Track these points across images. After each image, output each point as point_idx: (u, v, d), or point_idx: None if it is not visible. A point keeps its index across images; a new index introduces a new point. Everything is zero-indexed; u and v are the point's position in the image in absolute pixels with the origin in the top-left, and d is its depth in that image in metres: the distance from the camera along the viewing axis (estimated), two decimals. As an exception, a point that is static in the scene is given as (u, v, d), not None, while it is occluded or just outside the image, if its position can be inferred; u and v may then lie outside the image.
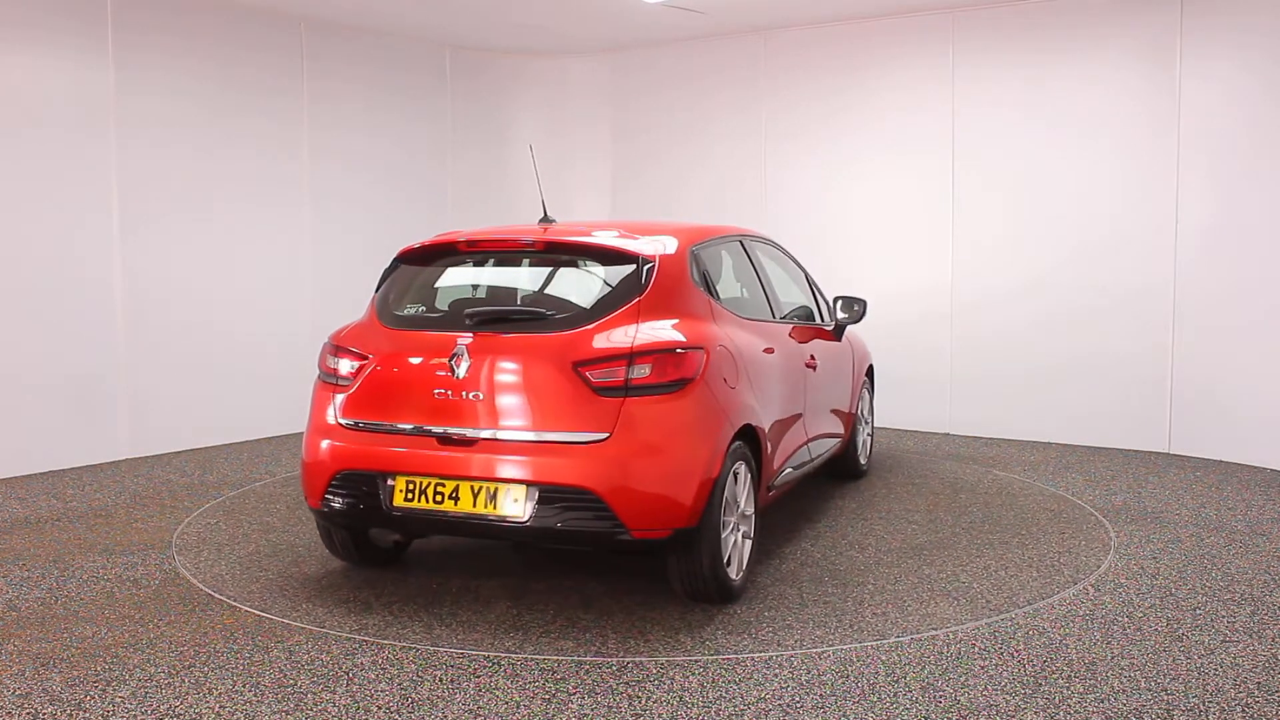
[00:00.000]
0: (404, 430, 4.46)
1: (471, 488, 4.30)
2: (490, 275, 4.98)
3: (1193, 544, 5.57)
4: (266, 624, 4.44)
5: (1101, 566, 5.19)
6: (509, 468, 4.26)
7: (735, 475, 4.61)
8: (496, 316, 4.54)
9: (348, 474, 4.53)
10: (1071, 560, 5.29)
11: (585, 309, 4.50)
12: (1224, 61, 7.41)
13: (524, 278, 4.88)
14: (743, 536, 4.74)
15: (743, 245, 5.73)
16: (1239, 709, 3.61)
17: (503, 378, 4.33)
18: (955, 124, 8.48)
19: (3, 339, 7.06)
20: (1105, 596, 4.76)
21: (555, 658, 4.06)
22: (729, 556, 4.58)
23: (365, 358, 4.62)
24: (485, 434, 4.33)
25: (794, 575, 5.05)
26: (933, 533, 5.73)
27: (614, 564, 5.15)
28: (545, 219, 5.29)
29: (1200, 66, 7.49)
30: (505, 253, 4.93)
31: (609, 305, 4.47)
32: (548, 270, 4.82)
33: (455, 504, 4.32)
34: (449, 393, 4.37)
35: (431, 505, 4.36)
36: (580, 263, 4.73)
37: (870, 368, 7.32)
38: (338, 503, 4.58)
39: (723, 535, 4.49)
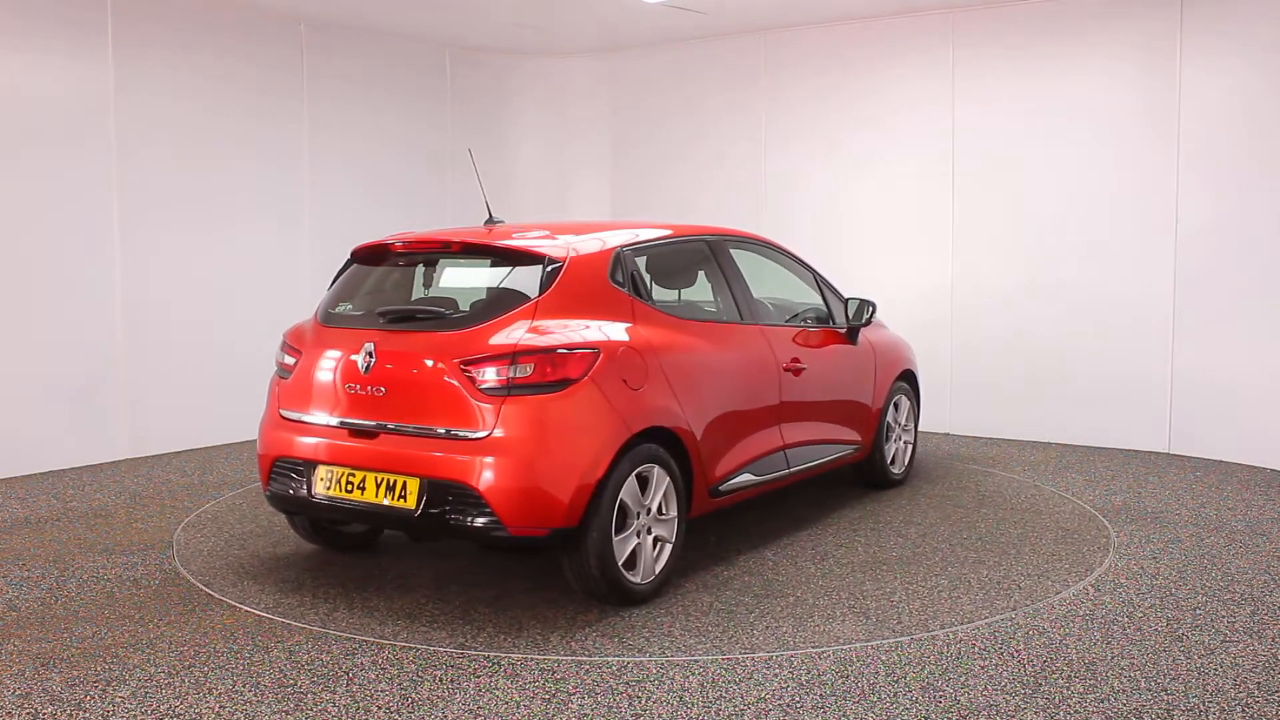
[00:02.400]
0: (325, 422, 4.71)
1: (375, 479, 4.50)
2: (412, 275, 5.14)
3: (1193, 544, 5.57)
4: (266, 624, 4.44)
5: (1101, 566, 5.19)
6: (402, 461, 4.44)
7: (646, 478, 4.64)
8: (403, 315, 4.72)
9: (283, 461, 4.83)
10: (1071, 560, 5.29)
11: (481, 309, 4.63)
12: (1224, 59, 7.41)
13: (440, 278, 5.05)
14: (654, 540, 4.72)
15: (710, 247, 5.63)
16: (1239, 709, 3.61)
17: (400, 374, 4.52)
18: (955, 123, 8.48)
19: (3, 339, 7.06)
20: (1105, 596, 4.76)
21: (556, 657, 4.07)
22: (631, 559, 4.58)
23: (300, 353, 4.92)
24: (385, 427, 4.53)
25: (726, 582, 4.95)
26: (915, 547, 5.53)
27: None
28: (490, 220, 5.44)
29: (1200, 65, 7.49)
30: (430, 254, 5.06)
31: (505, 305, 4.57)
32: (463, 271, 4.99)
33: (362, 494, 4.54)
34: (358, 387, 4.60)
35: (344, 494, 4.59)
36: (492, 264, 4.87)
37: (908, 373, 6.97)
38: (277, 488, 4.86)
39: (618, 537, 4.50)
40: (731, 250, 5.78)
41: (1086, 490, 6.74)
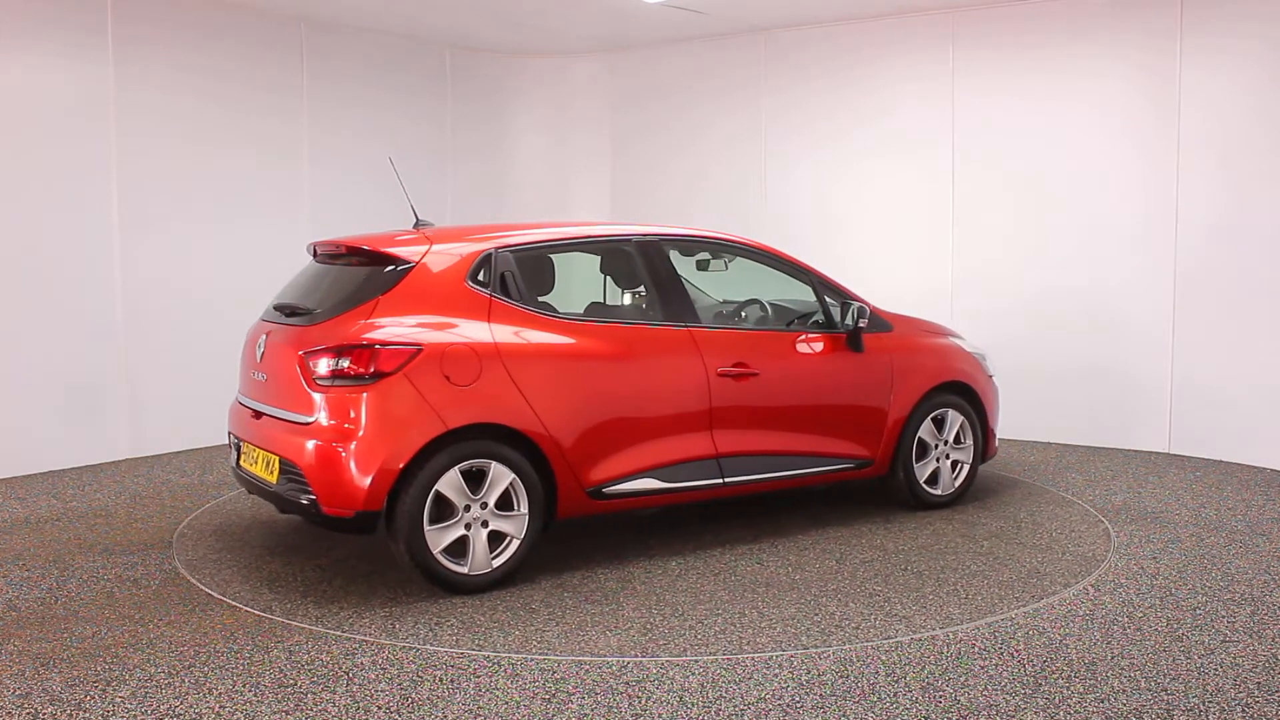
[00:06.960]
0: (244, 403, 5.38)
1: (261, 456, 5.04)
2: (318, 274, 5.39)
3: (1193, 544, 5.57)
4: (266, 624, 4.44)
5: (1101, 566, 5.19)
6: (271, 441, 4.96)
7: (482, 472, 4.78)
8: (289, 311, 5.22)
9: (231, 436, 5.49)
10: (1071, 560, 5.29)
11: (333, 306, 4.98)
12: (1224, 58, 7.40)
13: (330, 276, 5.31)
14: (492, 534, 4.82)
15: (639, 247, 5.57)
16: (1239, 709, 3.61)
17: (273, 363, 5.07)
18: (955, 123, 8.48)
19: (3, 339, 7.06)
20: (1105, 596, 4.76)
21: (556, 657, 4.07)
22: (457, 547, 4.75)
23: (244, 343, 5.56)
24: (263, 410, 5.11)
25: (585, 584, 4.89)
26: (836, 571, 5.09)
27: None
28: (419, 223, 5.60)
29: (1200, 65, 7.48)
30: (331, 254, 5.41)
31: (350, 302, 4.93)
32: (343, 271, 5.24)
33: (255, 468, 5.10)
34: (256, 374, 5.23)
35: (249, 468, 5.18)
36: (363, 265, 5.14)
37: (958, 385, 6.33)
38: (232, 459, 5.47)
39: (434, 526, 4.69)
40: (673, 251, 5.71)
41: (1086, 490, 6.74)
